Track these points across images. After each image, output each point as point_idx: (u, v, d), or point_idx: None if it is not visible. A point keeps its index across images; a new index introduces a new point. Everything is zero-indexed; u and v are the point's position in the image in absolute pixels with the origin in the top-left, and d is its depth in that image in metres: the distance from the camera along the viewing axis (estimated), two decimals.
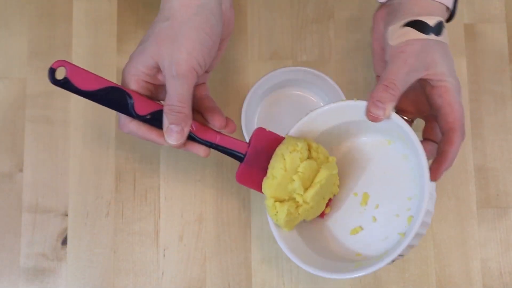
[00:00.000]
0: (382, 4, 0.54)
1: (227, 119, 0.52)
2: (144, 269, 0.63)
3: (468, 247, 0.64)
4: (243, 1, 0.68)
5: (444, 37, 0.51)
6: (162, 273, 0.63)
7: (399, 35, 0.50)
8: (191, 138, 0.50)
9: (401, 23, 0.50)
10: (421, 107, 0.54)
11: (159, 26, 0.48)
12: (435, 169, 0.49)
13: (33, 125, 0.66)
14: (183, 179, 0.65)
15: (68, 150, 0.65)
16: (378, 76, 0.57)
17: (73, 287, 0.63)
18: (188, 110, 0.48)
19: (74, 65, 0.47)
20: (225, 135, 0.52)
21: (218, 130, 0.52)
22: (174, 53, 0.47)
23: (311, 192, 0.51)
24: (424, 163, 0.48)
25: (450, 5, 0.52)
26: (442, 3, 0.51)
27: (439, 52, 0.50)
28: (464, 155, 0.66)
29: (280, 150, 0.51)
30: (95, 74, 0.48)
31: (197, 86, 0.52)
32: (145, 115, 0.49)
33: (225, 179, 0.65)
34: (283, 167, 0.49)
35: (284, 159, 0.50)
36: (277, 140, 0.52)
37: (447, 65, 0.50)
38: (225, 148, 0.51)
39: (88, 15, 0.68)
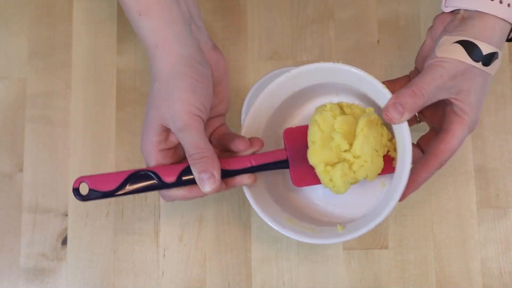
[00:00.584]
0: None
1: (250, 139, 0.51)
2: (144, 269, 0.63)
3: (468, 247, 0.64)
4: (243, 1, 0.68)
5: (491, 68, 0.49)
6: (162, 273, 0.63)
7: (447, 49, 0.48)
8: (229, 175, 0.50)
9: (455, 39, 0.48)
10: (435, 117, 0.54)
11: (153, 90, 0.49)
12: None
13: (33, 125, 0.66)
14: None
15: (68, 150, 0.65)
16: (413, 71, 0.56)
17: (73, 287, 0.63)
18: (209, 153, 0.48)
19: (91, 175, 0.49)
20: (259, 153, 0.51)
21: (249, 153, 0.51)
22: (171, 108, 0.47)
23: (357, 144, 0.48)
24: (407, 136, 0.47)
25: None
26: (508, 22, 0.48)
27: (478, 83, 0.49)
28: (464, 155, 0.66)
29: (312, 118, 0.50)
30: (113, 172, 0.49)
31: (217, 128, 0.53)
32: (176, 180, 0.49)
33: None
34: (318, 129, 0.49)
35: (317, 121, 0.49)
36: (307, 129, 0.51)
37: (478, 99, 0.49)
38: (266, 164, 0.51)
39: (88, 15, 0.68)
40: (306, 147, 0.50)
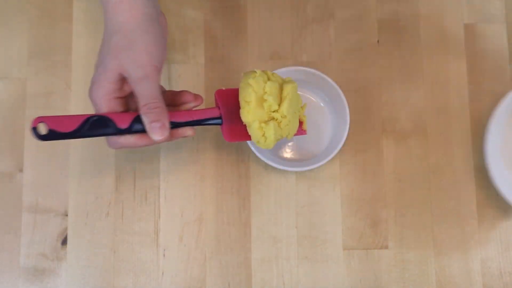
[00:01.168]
0: None
1: (194, 94, 0.56)
2: (144, 269, 0.63)
3: (468, 247, 0.64)
4: (243, 1, 0.68)
5: None
6: (162, 273, 0.63)
7: None
8: (172, 126, 0.53)
9: None
10: None
11: (111, 41, 0.51)
12: None
13: None
14: (183, 179, 0.65)
15: (68, 150, 0.65)
16: None
17: (73, 287, 0.63)
18: (162, 104, 0.51)
19: (51, 116, 0.50)
20: (196, 110, 0.55)
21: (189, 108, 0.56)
22: (136, 57, 0.50)
23: (284, 105, 0.55)
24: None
25: None
26: None
27: None
28: (464, 155, 0.66)
29: (243, 82, 0.55)
30: (70, 115, 0.51)
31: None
32: (128, 127, 0.51)
33: (225, 179, 0.65)
34: (251, 91, 0.54)
35: (250, 84, 0.54)
36: (237, 91, 0.56)
37: None
38: (203, 120, 0.55)
39: (88, 15, 0.68)
40: (236, 107, 0.55)
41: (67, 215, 0.64)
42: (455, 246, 0.64)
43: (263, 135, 0.55)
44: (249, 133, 0.55)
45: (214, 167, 0.65)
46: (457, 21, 0.69)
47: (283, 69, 0.63)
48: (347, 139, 0.64)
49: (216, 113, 0.56)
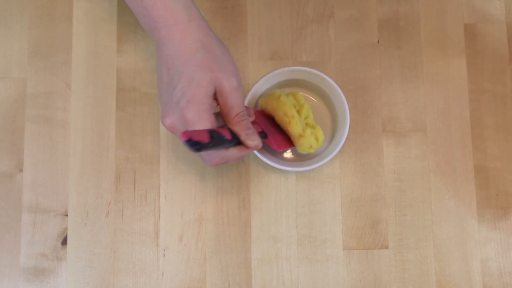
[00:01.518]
0: None
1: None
2: (144, 269, 0.63)
3: (468, 247, 0.64)
4: (243, 1, 0.68)
5: None
6: (162, 273, 0.63)
7: None
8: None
9: None
10: None
11: (196, 58, 0.51)
12: None
13: (33, 125, 0.66)
14: (183, 179, 0.65)
15: (68, 150, 0.65)
16: None
17: (73, 287, 0.63)
18: (246, 113, 0.53)
19: (189, 131, 0.48)
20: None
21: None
22: (227, 69, 0.52)
23: (310, 118, 0.62)
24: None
25: None
26: None
27: None
28: (464, 155, 0.66)
29: (272, 104, 0.60)
30: (199, 130, 0.49)
31: None
32: (231, 139, 0.52)
33: (225, 179, 0.65)
34: (291, 106, 0.60)
35: (286, 102, 0.60)
36: (258, 112, 0.61)
37: None
38: (259, 132, 0.58)
39: (88, 15, 0.68)
40: (267, 124, 0.60)
41: (67, 215, 0.64)
42: (455, 246, 0.64)
43: (316, 138, 0.60)
44: (300, 142, 0.60)
45: (214, 167, 0.65)
46: (457, 21, 0.69)
47: (283, 69, 0.63)
48: (347, 139, 0.64)
49: (259, 128, 0.59)
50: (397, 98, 0.67)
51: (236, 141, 0.53)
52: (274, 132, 0.60)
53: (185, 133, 0.47)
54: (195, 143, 0.47)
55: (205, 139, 0.48)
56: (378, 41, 0.68)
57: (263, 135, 0.59)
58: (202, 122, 0.50)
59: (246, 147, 0.53)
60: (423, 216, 0.65)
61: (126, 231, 0.64)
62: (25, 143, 0.65)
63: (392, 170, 0.65)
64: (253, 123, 0.58)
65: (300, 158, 0.65)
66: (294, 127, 0.60)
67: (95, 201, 0.64)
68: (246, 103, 0.62)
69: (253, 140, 0.52)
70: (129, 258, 0.64)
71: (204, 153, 0.53)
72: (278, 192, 0.65)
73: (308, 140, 0.60)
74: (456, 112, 0.67)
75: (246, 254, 0.64)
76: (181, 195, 0.65)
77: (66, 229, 0.64)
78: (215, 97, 0.52)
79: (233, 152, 0.53)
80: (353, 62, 0.67)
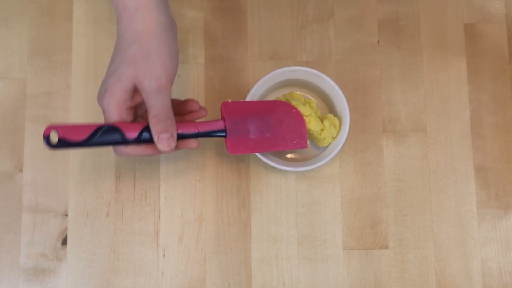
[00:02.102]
0: None
1: (198, 103, 0.57)
2: (144, 269, 0.63)
3: (468, 247, 0.64)
4: (243, 1, 0.68)
5: None
6: (162, 273, 0.63)
7: None
8: (178, 137, 0.54)
9: None
10: None
11: (128, 50, 0.50)
12: None
13: (33, 125, 0.66)
14: (183, 179, 0.65)
15: (68, 150, 0.65)
16: None
17: (73, 287, 0.63)
18: (172, 116, 0.52)
19: (62, 124, 0.50)
20: (202, 122, 0.56)
21: (194, 120, 0.57)
22: (152, 69, 0.50)
23: (318, 109, 0.64)
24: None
25: None
26: None
27: None
28: (464, 155, 0.66)
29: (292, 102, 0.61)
30: (81, 124, 0.51)
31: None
32: (136, 138, 0.52)
33: (225, 179, 0.65)
34: (309, 107, 0.61)
35: (302, 102, 0.62)
36: (245, 105, 0.59)
37: None
38: (208, 132, 0.56)
39: (88, 15, 0.68)
40: (243, 120, 0.58)
41: (67, 215, 0.64)
42: (455, 246, 0.64)
43: (334, 127, 0.62)
44: (322, 136, 0.61)
45: (214, 167, 0.65)
46: (457, 21, 0.69)
47: (283, 69, 0.63)
48: (347, 139, 0.64)
49: (221, 126, 0.57)
50: (397, 98, 0.67)
51: (146, 141, 0.52)
52: (238, 132, 0.58)
53: (49, 127, 0.49)
54: (60, 141, 0.49)
55: (79, 136, 0.49)
56: (378, 41, 0.68)
57: (222, 133, 0.57)
58: (111, 113, 0.51)
59: (158, 149, 0.53)
60: (423, 216, 0.65)
61: (126, 231, 0.64)
62: (25, 143, 0.65)
63: (392, 170, 0.65)
64: (221, 117, 0.58)
65: (300, 158, 0.65)
66: (315, 124, 0.60)
67: (95, 201, 0.64)
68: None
69: (163, 144, 0.52)
70: (129, 258, 0.64)
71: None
72: (278, 192, 0.65)
73: (329, 131, 0.61)
74: (456, 112, 0.67)
75: (246, 254, 0.64)
76: (181, 195, 0.65)
77: (66, 229, 0.64)
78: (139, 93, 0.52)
79: (136, 149, 0.53)
80: (353, 62, 0.67)
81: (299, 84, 0.65)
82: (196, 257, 0.64)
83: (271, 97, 0.65)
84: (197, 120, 0.57)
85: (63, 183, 0.65)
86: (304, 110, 0.61)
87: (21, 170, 0.65)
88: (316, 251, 0.64)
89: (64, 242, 0.64)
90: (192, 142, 0.55)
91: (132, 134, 0.52)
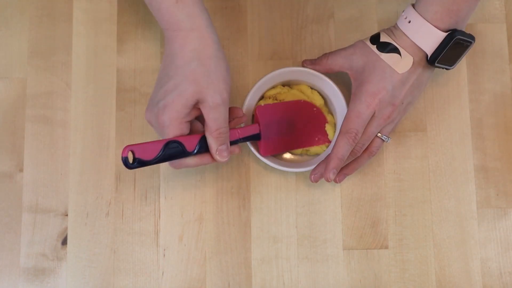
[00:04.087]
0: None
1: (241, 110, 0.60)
2: (144, 269, 0.63)
3: (468, 247, 0.64)
4: (243, 1, 0.68)
5: (387, 57, 0.57)
6: (162, 273, 0.63)
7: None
8: None
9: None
10: None
11: (188, 68, 0.52)
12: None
13: (33, 125, 0.66)
14: (183, 179, 0.65)
15: (68, 150, 0.65)
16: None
17: (73, 287, 0.63)
18: (228, 129, 0.55)
19: (137, 144, 0.52)
20: (239, 128, 0.59)
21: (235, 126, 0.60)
22: (215, 85, 0.53)
23: None
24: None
25: (425, 48, 0.57)
26: (420, 48, 0.57)
27: (371, 61, 0.58)
28: (464, 155, 0.66)
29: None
30: (152, 142, 0.52)
31: None
32: (194, 149, 0.54)
33: (225, 179, 0.65)
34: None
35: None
36: (275, 107, 0.62)
37: (372, 77, 0.58)
38: (247, 137, 0.60)
39: (88, 15, 0.68)
40: (274, 122, 0.62)
41: (67, 215, 0.64)
42: (455, 246, 0.64)
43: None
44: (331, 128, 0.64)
45: (214, 167, 0.65)
46: None
47: (283, 70, 0.63)
48: None
49: (256, 130, 0.61)
50: None
51: (201, 151, 0.55)
52: (269, 135, 0.61)
53: (126, 149, 0.51)
54: (135, 161, 0.51)
55: (151, 154, 0.52)
56: None
57: (257, 137, 0.61)
58: (172, 128, 0.53)
59: (212, 158, 0.56)
60: (423, 216, 0.65)
61: (126, 231, 0.64)
62: (25, 143, 0.65)
63: (392, 170, 0.65)
64: (255, 121, 0.61)
65: (300, 158, 0.65)
66: (329, 130, 0.64)
67: (95, 201, 0.64)
68: (245, 104, 0.62)
69: (222, 156, 0.55)
70: (129, 258, 0.64)
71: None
72: (278, 192, 0.65)
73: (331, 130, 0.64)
74: (456, 112, 0.67)
75: (246, 254, 0.64)
76: (181, 195, 0.65)
77: (66, 229, 0.64)
78: (199, 107, 0.54)
79: (193, 160, 0.55)
80: None
81: (298, 84, 0.65)
82: (196, 257, 0.64)
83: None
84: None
85: (63, 183, 0.65)
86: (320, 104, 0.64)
87: (21, 170, 0.65)
88: (316, 251, 0.64)
89: (64, 242, 0.64)
90: (235, 148, 0.58)
91: (191, 147, 0.54)
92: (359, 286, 0.63)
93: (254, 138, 0.61)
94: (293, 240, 0.64)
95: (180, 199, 0.65)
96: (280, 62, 0.67)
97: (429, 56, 0.57)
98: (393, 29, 0.59)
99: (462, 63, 0.67)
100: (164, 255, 0.64)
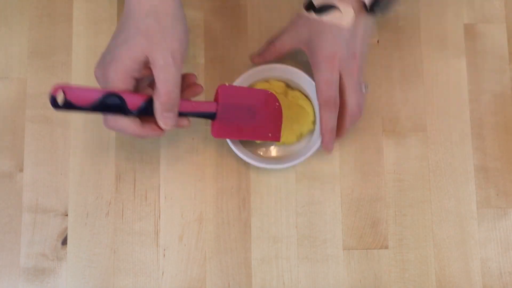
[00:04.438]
0: None
1: (195, 76, 0.57)
2: (144, 269, 0.63)
3: (468, 247, 0.64)
4: (243, 1, 0.68)
5: (329, 17, 0.57)
6: (162, 273, 0.63)
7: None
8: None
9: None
10: None
11: (143, 22, 0.50)
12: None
13: (33, 125, 0.66)
14: (183, 179, 0.65)
15: (68, 150, 0.65)
16: None
17: (73, 287, 0.63)
18: (179, 94, 0.52)
19: (70, 85, 0.49)
20: (194, 101, 0.56)
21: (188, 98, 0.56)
22: (168, 44, 0.50)
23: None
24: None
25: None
26: None
27: (314, 28, 0.58)
28: (464, 155, 0.66)
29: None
30: (90, 88, 0.50)
31: None
32: (137, 109, 0.51)
33: (225, 179, 0.65)
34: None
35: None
36: (239, 91, 0.60)
37: (323, 42, 0.58)
38: (201, 112, 0.56)
39: (88, 15, 0.68)
40: (234, 107, 0.58)
41: (67, 215, 0.64)
42: (455, 246, 0.64)
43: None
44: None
45: (214, 167, 0.65)
46: (457, 21, 0.69)
47: (262, 67, 0.63)
48: (347, 139, 0.64)
49: (213, 108, 0.57)
50: (397, 98, 0.67)
51: (144, 114, 0.51)
52: (226, 117, 0.58)
53: (57, 87, 0.47)
54: (66, 103, 0.48)
55: (84, 101, 0.48)
56: (378, 41, 0.68)
57: (211, 116, 0.57)
58: (116, 80, 0.50)
59: (154, 129, 0.53)
60: (423, 216, 0.65)
61: (126, 231, 0.64)
62: (25, 143, 0.65)
63: (392, 170, 0.65)
64: (215, 99, 0.58)
65: (284, 155, 0.65)
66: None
67: (95, 201, 0.64)
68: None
69: (166, 124, 0.52)
70: (129, 258, 0.64)
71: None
72: (278, 192, 0.65)
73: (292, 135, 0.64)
74: (456, 112, 0.67)
75: (246, 254, 0.64)
76: (181, 195, 0.65)
77: (66, 229, 0.64)
78: (149, 67, 0.51)
79: (130, 125, 0.52)
80: None
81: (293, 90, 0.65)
82: (196, 257, 0.64)
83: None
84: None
85: (63, 183, 0.65)
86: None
87: (21, 170, 0.65)
88: (316, 251, 0.64)
89: (64, 242, 0.64)
90: (184, 120, 0.55)
91: (133, 106, 0.50)
92: (359, 286, 0.63)
93: (208, 117, 0.57)
94: (293, 240, 0.64)
95: (180, 199, 0.65)
96: (280, 62, 0.67)
97: (367, 4, 0.57)
98: None
99: (462, 63, 0.68)
100: (164, 255, 0.64)
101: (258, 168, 0.65)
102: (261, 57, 0.64)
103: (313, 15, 0.58)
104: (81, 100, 0.49)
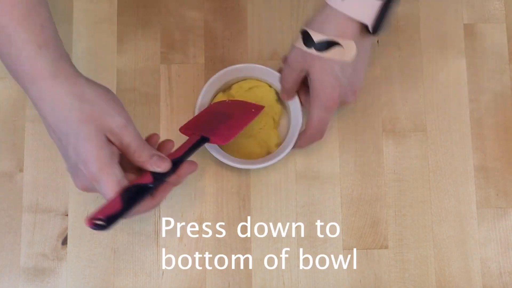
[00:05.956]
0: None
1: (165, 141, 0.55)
2: (144, 269, 0.63)
3: (468, 247, 0.64)
4: (243, 1, 0.68)
5: (331, 54, 0.55)
6: (162, 273, 0.63)
7: (297, 37, 0.58)
8: (174, 163, 0.51)
9: (303, 29, 0.57)
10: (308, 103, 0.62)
11: (74, 111, 0.48)
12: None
13: (33, 125, 0.66)
14: None
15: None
16: None
17: (73, 287, 0.63)
18: (145, 142, 0.51)
19: (94, 211, 0.47)
20: (180, 145, 0.55)
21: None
22: (110, 112, 0.49)
23: None
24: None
25: (366, 21, 0.54)
26: (357, 20, 0.54)
27: (317, 66, 0.56)
28: (464, 155, 0.66)
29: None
30: (107, 203, 0.48)
31: None
32: (152, 181, 0.50)
33: (225, 179, 0.65)
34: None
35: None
36: (198, 116, 0.62)
37: (324, 80, 0.57)
38: (193, 145, 0.55)
39: (88, 15, 0.68)
40: (206, 122, 0.59)
41: (67, 215, 0.64)
42: (455, 246, 0.64)
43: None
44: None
45: (214, 167, 0.65)
46: (457, 21, 0.69)
47: (231, 67, 0.63)
48: (347, 138, 0.64)
49: (197, 137, 0.56)
50: (397, 98, 0.67)
51: (160, 178, 0.50)
52: (216, 127, 0.58)
53: (89, 219, 0.46)
54: (106, 221, 0.46)
55: (114, 207, 0.46)
56: (378, 41, 0.68)
57: (205, 140, 0.56)
58: (107, 177, 0.47)
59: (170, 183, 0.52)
60: (423, 216, 0.65)
61: (126, 231, 0.64)
62: (25, 143, 0.65)
63: (392, 170, 0.65)
64: (188, 134, 0.57)
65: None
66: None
67: (95, 201, 0.64)
68: (197, 106, 0.62)
69: (158, 166, 0.49)
70: (129, 258, 0.64)
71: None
72: (278, 192, 0.65)
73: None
74: (456, 112, 0.67)
75: (246, 254, 0.64)
76: (181, 195, 0.65)
77: (66, 229, 0.64)
78: (111, 141, 0.48)
79: (152, 201, 0.51)
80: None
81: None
82: (196, 257, 0.64)
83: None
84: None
85: (63, 183, 0.65)
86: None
87: (21, 170, 0.65)
88: (316, 251, 0.64)
89: (64, 242, 0.64)
90: (192, 165, 0.53)
91: (149, 180, 0.49)
92: (359, 286, 0.63)
93: (203, 142, 0.56)
94: (293, 240, 0.64)
95: (180, 199, 0.65)
96: (280, 62, 0.67)
97: (370, 27, 0.54)
98: (318, 18, 0.56)
99: (462, 63, 0.67)
100: (164, 255, 0.64)
101: (258, 168, 0.65)
102: (290, 97, 0.64)
103: (313, 51, 0.56)
104: (111, 211, 0.47)
